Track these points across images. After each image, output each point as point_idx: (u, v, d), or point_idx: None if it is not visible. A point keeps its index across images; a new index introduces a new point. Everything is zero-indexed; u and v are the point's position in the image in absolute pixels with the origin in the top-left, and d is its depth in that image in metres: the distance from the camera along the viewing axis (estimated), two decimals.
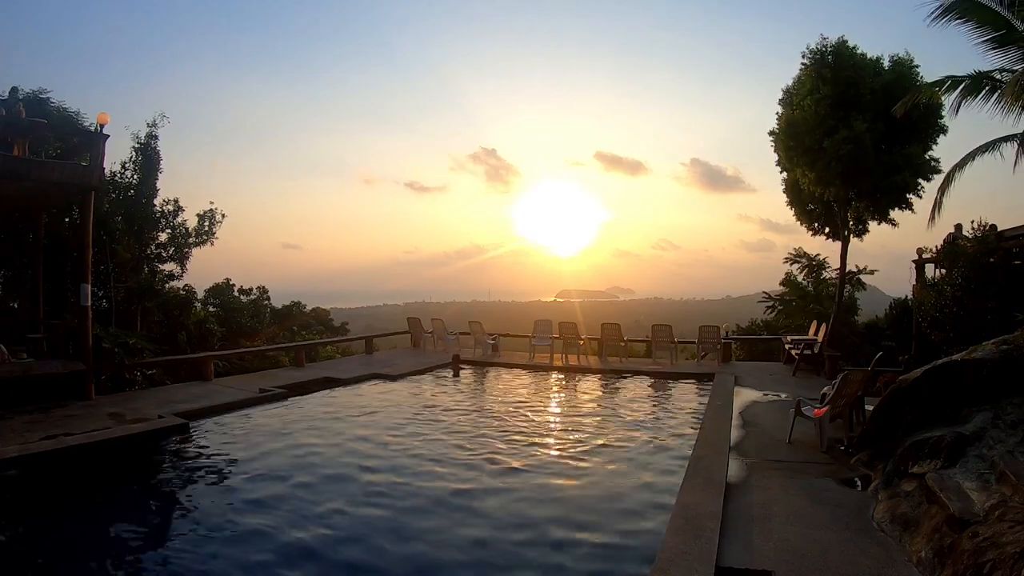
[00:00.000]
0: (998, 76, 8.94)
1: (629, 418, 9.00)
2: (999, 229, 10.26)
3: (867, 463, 5.88)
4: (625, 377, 12.58)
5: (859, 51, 11.10)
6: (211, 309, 16.53)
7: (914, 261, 11.80)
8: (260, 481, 6.23)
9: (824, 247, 19.75)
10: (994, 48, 8.89)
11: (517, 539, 4.90)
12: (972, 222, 10.57)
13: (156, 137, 13.25)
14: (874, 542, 4.27)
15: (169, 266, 14.04)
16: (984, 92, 9.00)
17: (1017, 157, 9.23)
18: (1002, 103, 8.58)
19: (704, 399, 9.85)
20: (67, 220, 11.91)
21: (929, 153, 11.09)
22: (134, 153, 13.13)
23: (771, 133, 12.31)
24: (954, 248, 10.35)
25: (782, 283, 17.67)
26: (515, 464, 6.80)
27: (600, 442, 7.70)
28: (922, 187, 11.19)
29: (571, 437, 7.99)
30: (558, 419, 9.19)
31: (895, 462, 5.22)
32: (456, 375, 13.14)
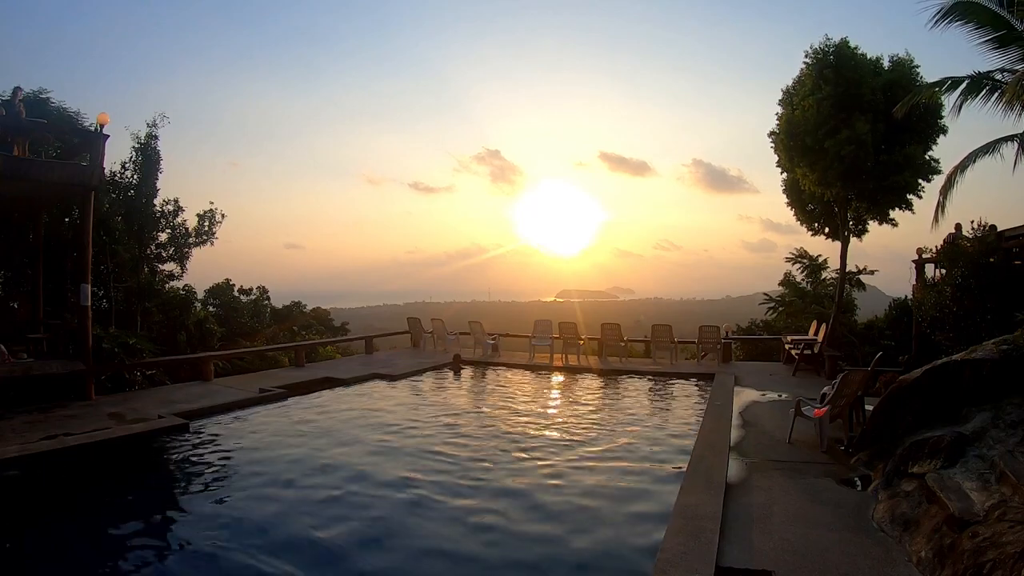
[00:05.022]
0: (998, 76, 8.95)
1: (628, 419, 8.99)
2: (999, 229, 10.27)
3: (867, 463, 5.87)
4: (625, 377, 12.57)
5: (859, 51, 11.11)
6: (211, 309, 16.55)
7: (914, 261, 11.81)
8: (260, 481, 6.23)
9: (824, 247, 19.79)
10: (994, 48, 8.91)
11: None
12: (972, 222, 10.59)
13: (156, 137, 13.28)
14: (874, 542, 4.27)
15: (169, 266, 14.07)
16: (984, 92, 9.01)
17: (1017, 157, 9.24)
18: (1002, 103, 8.59)
19: (704, 399, 9.85)
20: (67, 220, 11.93)
21: (929, 153, 11.09)
22: (134, 153, 13.16)
23: (771, 134, 12.29)
24: (954, 248, 10.36)
25: (781, 283, 17.68)
26: (514, 464, 6.81)
27: (598, 441, 7.70)
28: (922, 187, 11.19)
29: (570, 437, 7.97)
30: (557, 419, 9.17)
31: (895, 462, 5.22)
32: (456, 375, 13.15)
